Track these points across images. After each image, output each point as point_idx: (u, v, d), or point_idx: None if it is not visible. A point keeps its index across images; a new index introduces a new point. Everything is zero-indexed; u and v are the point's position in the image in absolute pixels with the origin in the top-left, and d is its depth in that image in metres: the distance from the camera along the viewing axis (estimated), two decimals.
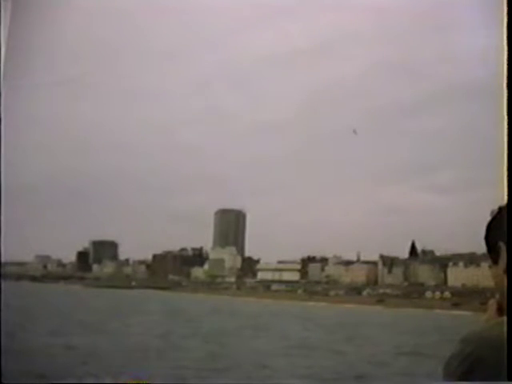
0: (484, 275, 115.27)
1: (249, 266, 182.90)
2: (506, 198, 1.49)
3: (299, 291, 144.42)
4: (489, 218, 1.59)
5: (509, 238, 1.45)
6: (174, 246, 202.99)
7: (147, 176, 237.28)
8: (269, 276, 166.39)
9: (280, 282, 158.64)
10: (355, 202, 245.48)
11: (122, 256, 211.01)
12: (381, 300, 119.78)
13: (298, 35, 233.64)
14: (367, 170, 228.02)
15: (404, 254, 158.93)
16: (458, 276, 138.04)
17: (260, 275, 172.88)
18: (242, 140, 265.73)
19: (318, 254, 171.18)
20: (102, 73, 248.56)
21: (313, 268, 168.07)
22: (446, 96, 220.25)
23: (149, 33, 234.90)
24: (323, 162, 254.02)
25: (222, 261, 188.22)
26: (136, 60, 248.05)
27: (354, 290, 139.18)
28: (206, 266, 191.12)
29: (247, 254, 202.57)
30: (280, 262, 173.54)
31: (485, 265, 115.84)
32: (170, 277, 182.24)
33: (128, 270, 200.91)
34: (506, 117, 1.49)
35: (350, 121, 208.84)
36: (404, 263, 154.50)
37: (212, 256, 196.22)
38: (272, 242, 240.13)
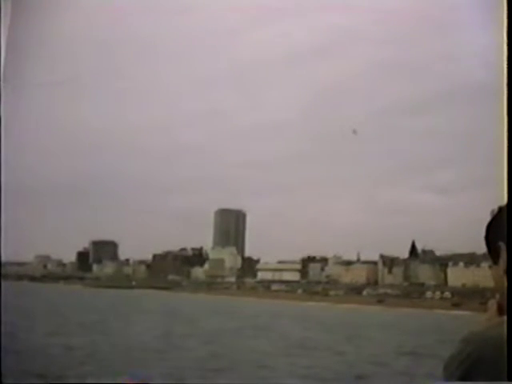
0: (484, 275, 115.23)
1: (249, 265, 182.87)
2: (506, 197, 1.49)
3: (299, 291, 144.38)
4: (489, 218, 1.59)
5: (509, 238, 1.45)
6: (174, 246, 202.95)
7: (147, 176, 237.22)
8: (269, 276, 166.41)
9: (280, 281, 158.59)
10: (355, 202, 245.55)
11: (122, 256, 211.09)
12: (381, 300, 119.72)
13: (298, 35, 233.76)
14: (367, 169, 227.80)
15: (404, 253, 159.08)
16: (458, 276, 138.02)
17: (260, 275, 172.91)
18: (242, 140, 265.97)
19: (318, 254, 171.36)
20: (101, 73, 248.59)
21: (313, 268, 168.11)
22: (446, 96, 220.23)
23: (149, 33, 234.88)
24: (323, 162, 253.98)
25: (221, 261, 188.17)
26: (136, 60, 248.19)
27: (354, 290, 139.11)
28: (206, 266, 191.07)
29: (247, 254, 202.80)
30: (280, 262, 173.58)
31: (485, 265, 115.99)
32: (170, 277, 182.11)
33: (128, 269, 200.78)
34: (505, 117, 1.49)
35: (350, 121, 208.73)
36: (404, 263, 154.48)
37: (212, 256, 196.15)
38: (272, 242, 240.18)
